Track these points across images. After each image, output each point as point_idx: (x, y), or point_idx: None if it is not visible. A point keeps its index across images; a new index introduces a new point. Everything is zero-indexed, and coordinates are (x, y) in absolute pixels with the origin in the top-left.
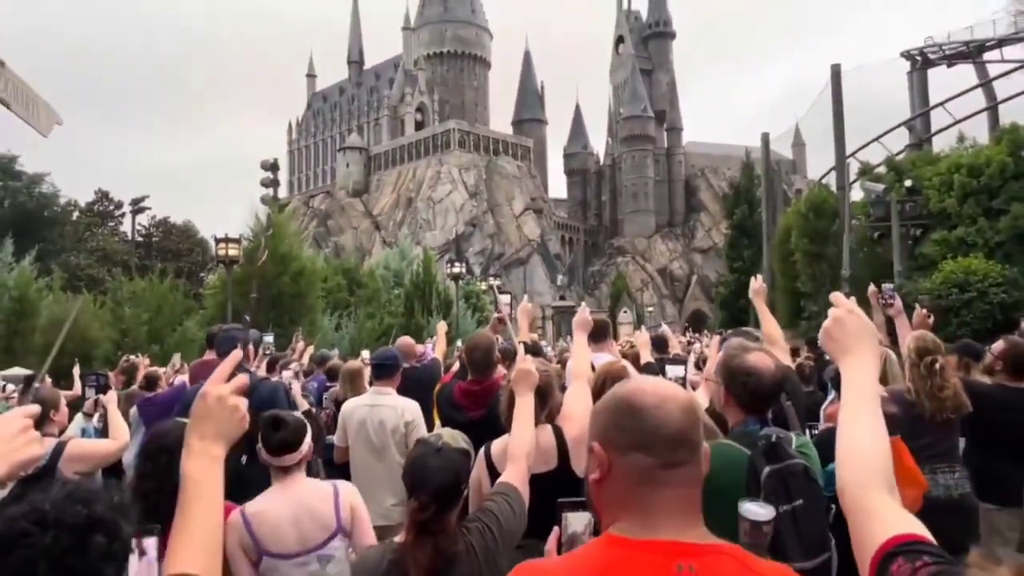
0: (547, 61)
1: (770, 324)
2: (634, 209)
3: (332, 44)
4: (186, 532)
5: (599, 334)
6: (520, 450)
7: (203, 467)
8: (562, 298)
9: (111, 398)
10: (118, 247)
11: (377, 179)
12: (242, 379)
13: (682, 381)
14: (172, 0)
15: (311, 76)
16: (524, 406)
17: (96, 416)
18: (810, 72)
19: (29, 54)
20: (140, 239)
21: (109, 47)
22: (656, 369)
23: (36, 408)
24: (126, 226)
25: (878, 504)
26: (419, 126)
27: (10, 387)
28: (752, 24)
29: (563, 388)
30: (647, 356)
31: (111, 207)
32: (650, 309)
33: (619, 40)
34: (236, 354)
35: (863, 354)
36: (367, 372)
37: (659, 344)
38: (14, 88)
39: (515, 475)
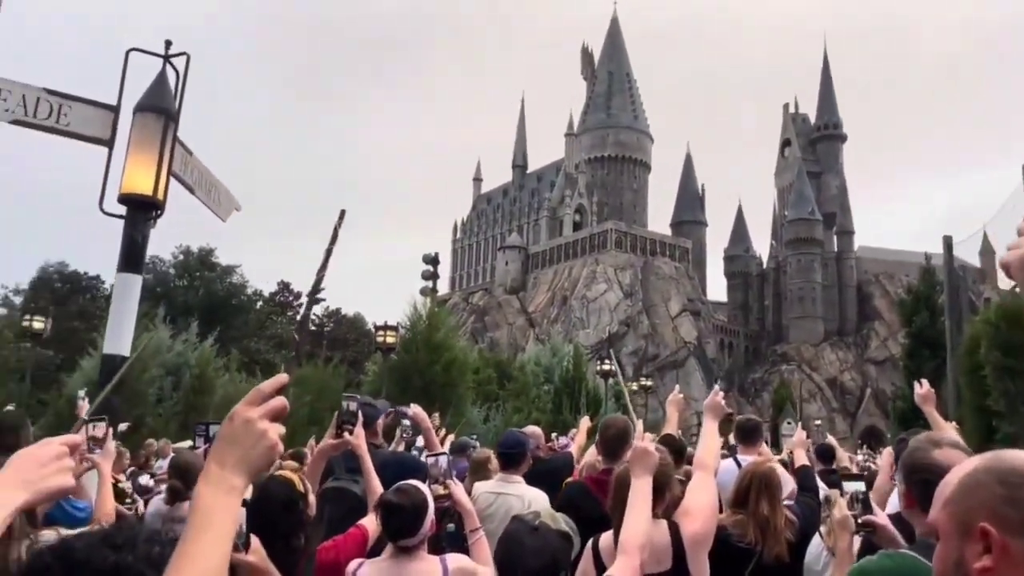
0: (708, 163)
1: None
2: (800, 315)
3: (499, 151)
4: (186, 565)
5: (750, 435)
6: (633, 541)
7: (216, 496)
8: None
9: None
10: (292, 334)
11: (534, 277)
12: (278, 401)
13: (862, 503)
14: (352, 122)
15: (478, 180)
16: (640, 491)
17: None
18: (995, 176)
19: (230, 162)
20: (313, 328)
21: (299, 165)
22: (812, 474)
23: (78, 438)
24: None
25: None
26: (577, 227)
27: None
28: (932, 126)
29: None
30: (802, 458)
31: (291, 298)
32: (818, 422)
33: (785, 143)
34: (281, 377)
35: None
36: (495, 462)
37: (824, 454)
38: (199, 176)
39: (624, 570)
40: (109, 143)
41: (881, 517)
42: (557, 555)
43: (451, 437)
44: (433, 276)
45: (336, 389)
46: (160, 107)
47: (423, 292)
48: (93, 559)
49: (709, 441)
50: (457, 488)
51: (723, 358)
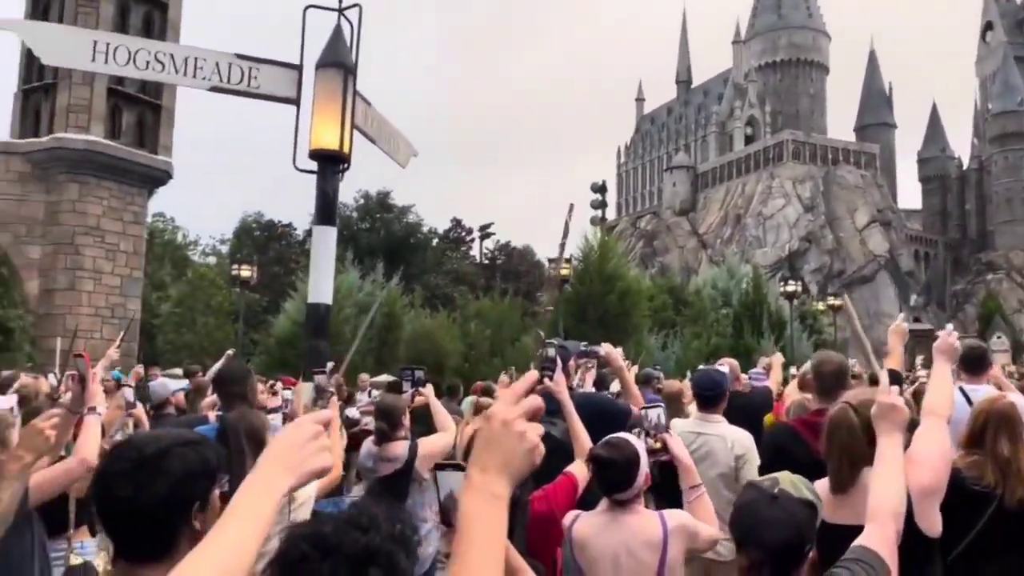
0: (895, 59)
1: None
2: (1008, 219)
3: (661, 68)
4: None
5: (976, 364)
6: (886, 507)
7: (481, 505)
8: (916, 320)
9: (430, 391)
10: (468, 269)
11: (704, 197)
12: (533, 400)
13: None
14: (513, 57)
15: (640, 100)
16: (890, 450)
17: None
18: None
19: (400, 110)
20: (486, 262)
21: (463, 102)
22: None
23: (329, 413)
24: (475, 250)
25: None
26: (749, 140)
27: (374, 393)
28: None
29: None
30: None
31: (463, 233)
32: None
33: (987, 27)
34: (532, 375)
35: None
36: (688, 394)
37: None
38: (378, 126)
39: (879, 539)
40: (296, 101)
41: None
42: (802, 527)
43: (635, 369)
44: (602, 205)
45: (514, 321)
46: (339, 62)
47: (593, 222)
48: (344, 543)
49: (942, 385)
50: (675, 442)
51: (919, 270)
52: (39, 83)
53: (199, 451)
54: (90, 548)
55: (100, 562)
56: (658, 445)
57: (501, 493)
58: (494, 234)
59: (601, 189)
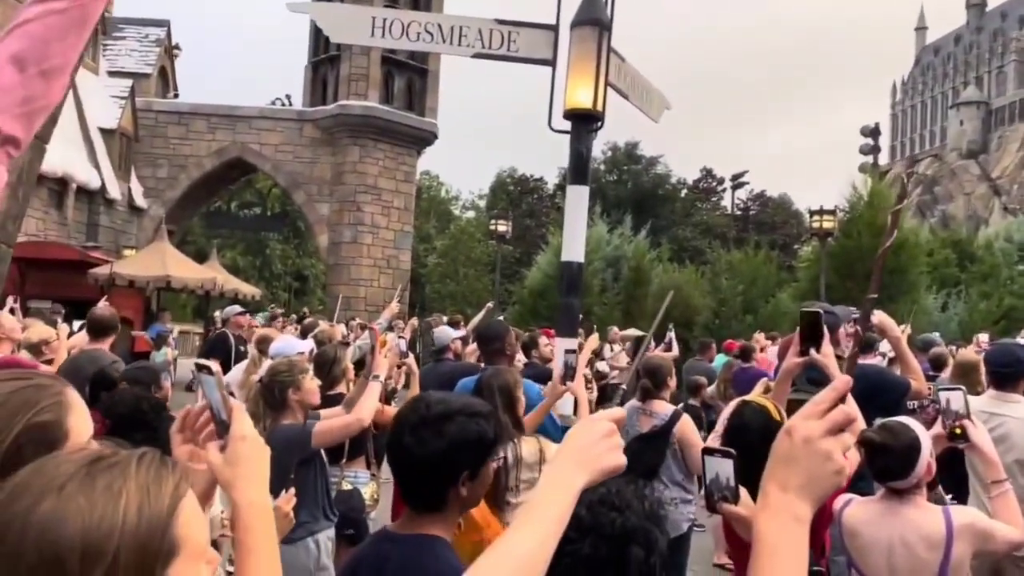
0: None
1: None
2: None
3: None
4: None
5: None
6: None
7: (782, 527)
8: None
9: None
10: (719, 220)
11: (999, 136)
12: (839, 413)
13: None
14: None
15: (920, 29)
16: None
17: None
18: None
19: (650, 49)
20: (738, 212)
21: (720, 42)
22: None
23: (622, 412)
24: (726, 201)
25: None
26: None
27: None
28: None
29: None
30: None
31: (714, 183)
32: None
33: None
34: (841, 381)
35: None
36: (983, 367)
37: None
38: (631, 81)
39: None
40: (552, 62)
41: None
42: None
43: (908, 330)
44: (873, 150)
45: (767, 276)
46: (594, 19)
47: (862, 169)
48: (601, 523)
49: None
50: (978, 432)
51: None
52: (325, 55)
53: (479, 424)
54: (363, 478)
55: (368, 491)
56: (957, 432)
57: (803, 516)
58: (747, 183)
59: (873, 133)
